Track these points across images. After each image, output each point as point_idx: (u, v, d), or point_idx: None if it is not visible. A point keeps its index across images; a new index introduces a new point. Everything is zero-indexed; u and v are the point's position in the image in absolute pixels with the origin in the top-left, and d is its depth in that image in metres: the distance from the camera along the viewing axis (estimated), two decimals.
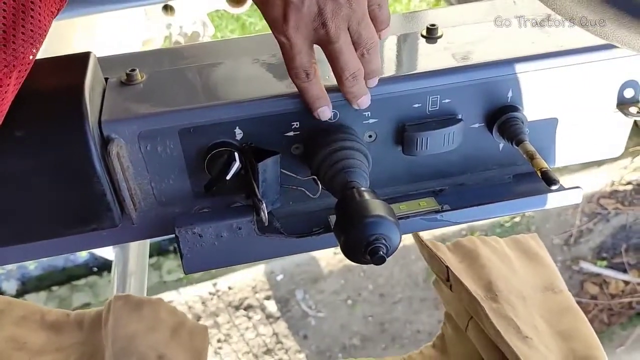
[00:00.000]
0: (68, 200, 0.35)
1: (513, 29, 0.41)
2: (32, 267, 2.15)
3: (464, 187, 0.43)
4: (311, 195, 0.38)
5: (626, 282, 3.17)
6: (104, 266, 2.27)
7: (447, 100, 0.38)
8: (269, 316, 2.50)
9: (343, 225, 0.33)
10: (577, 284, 3.15)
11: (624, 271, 3.13)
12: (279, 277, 2.44)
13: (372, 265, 0.34)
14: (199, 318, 2.35)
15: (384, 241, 0.32)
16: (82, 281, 2.25)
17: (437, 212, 0.41)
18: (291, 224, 0.40)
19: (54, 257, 2.15)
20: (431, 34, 0.41)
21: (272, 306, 2.49)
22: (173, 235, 0.38)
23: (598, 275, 3.15)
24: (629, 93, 0.40)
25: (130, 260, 0.69)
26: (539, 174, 0.36)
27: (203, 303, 2.35)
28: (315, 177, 0.37)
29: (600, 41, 0.36)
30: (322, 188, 0.38)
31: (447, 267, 0.48)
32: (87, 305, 2.18)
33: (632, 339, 3.09)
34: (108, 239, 0.40)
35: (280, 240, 0.39)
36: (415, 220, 0.40)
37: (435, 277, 0.55)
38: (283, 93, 0.37)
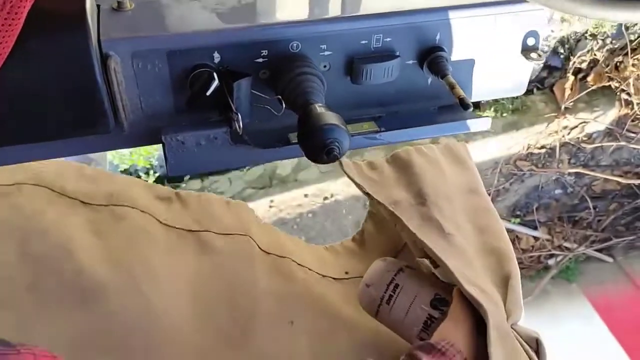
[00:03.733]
0: (70, 108, 0.42)
1: None
2: None
3: (398, 115, 0.52)
4: (276, 113, 0.46)
5: (536, 238, 3.46)
6: None
7: (388, 39, 0.47)
8: None
9: (306, 133, 0.41)
10: None
11: (535, 228, 3.41)
12: None
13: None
14: None
15: (337, 144, 0.40)
16: None
17: (376, 132, 0.50)
18: (257, 139, 0.48)
19: None
20: None
21: None
22: (156, 143, 0.45)
23: (511, 231, 3.42)
24: (531, 41, 0.50)
25: None
26: (458, 101, 0.45)
27: None
28: (280, 97, 0.45)
29: None
30: (284, 107, 0.46)
31: (365, 192, 0.56)
32: None
33: (539, 290, 3.39)
34: (101, 144, 0.46)
35: (249, 150, 0.47)
36: (359, 139, 0.50)
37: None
38: (255, 24, 0.45)
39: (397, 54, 0.48)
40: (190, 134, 0.45)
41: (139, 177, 2.20)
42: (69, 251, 0.52)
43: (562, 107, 2.96)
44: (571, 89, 2.91)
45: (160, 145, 0.46)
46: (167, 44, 0.43)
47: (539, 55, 0.50)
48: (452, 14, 0.47)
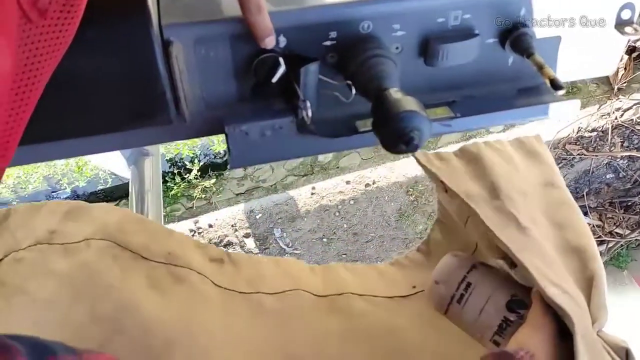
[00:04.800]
0: (131, 98, 0.39)
1: None
2: (14, 202, 2.15)
3: (474, 99, 0.48)
4: (345, 100, 0.42)
5: None
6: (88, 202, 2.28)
7: (467, 16, 0.43)
8: (248, 253, 2.57)
9: (382, 121, 0.37)
10: None
11: (585, 214, 3.29)
12: (258, 216, 2.50)
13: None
14: None
15: (417, 132, 0.37)
16: None
17: (451, 118, 0.46)
18: (323, 128, 0.45)
19: (35, 194, 2.16)
20: None
21: (251, 243, 2.56)
22: (218, 133, 0.42)
23: None
24: (626, 14, 0.45)
25: (146, 179, 0.73)
26: (548, 82, 0.41)
27: None
28: (350, 82, 0.42)
29: None
30: (354, 93, 0.42)
31: (441, 181, 0.53)
32: None
33: None
34: (162, 135, 0.44)
35: (315, 140, 0.44)
36: (433, 125, 0.46)
37: (435, 186, 0.60)
38: (322, 4, 0.41)
39: (477, 32, 0.44)
40: (255, 124, 0.42)
41: (184, 165, 2.21)
42: (135, 309, 0.52)
43: (615, 87, 2.83)
44: (625, 69, 2.78)
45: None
46: (230, 29, 0.40)
47: (636, 30, 0.45)
48: None
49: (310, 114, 0.40)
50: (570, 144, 3.07)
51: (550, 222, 0.53)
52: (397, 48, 0.44)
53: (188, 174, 2.23)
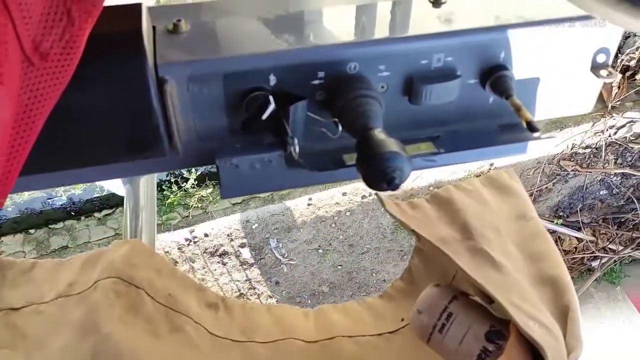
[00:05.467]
0: (127, 132, 0.41)
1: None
2: (10, 209, 2.16)
3: (457, 134, 0.50)
4: (331, 136, 0.44)
5: (579, 240, 3.37)
6: (81, 211, 2.29)
7: (449, 59, 0.45)
8: (243, 263, 2.59)
9: (366, 159, 0.39)
10: None
11: (578, 229, 3.32)
12: (254, 226, 2.51)
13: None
14: (175, 263, 2.41)
15: (398, 172, 0.39)
16: (59, 225, 2.26)
17: (434, 154, 0.48)
18: (311, 161, 0.47)
19: (31, 201, 2.17)
20: (437, 0, 0.47)
21: (246, 253, 2.57)
22: (209, 164, 0.44)
23: (554, 232, 3.34)
24: (601, 58, 0.47)
25: (141, 196, 0.75)
26: (524, 124, 0.43)
27: (179, 249, 2.41)
28: (337, 119, 0.44)
29: (580, 12, 0.43)
30: (341, 130, 0.44)
31: (412, 229, 0.55)
32: (64, 248, 2.21)
33: (582, 292, 3.30)
34: (155, 166, 0.46)
35: (303, 172, 0.46)
36: (416, 161, 0.48)
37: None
38: (311, 46, 0.43)
39: (459, 73, 0.46)
40: (245, 158, 0.44)
41: (182, 174, 2.23)
42: (133, 352, 0.54)
43: (609, 105, 2.86)
44: (619, 88, 2.82)
45: None
46: (223, 68, 0.42)
47: (610, 73, 0.47)
48: (517, 32, 0.45)
49: (297, 149, 0.42)
50: (564, 159, 3.10)
51: (524, 254, 0.55)
52: (382, 87, 0.46)
53: (185, 183, 2.25)
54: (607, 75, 0.47)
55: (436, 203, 0.59)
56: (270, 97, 0.42)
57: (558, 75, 0.48)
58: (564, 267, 0.54)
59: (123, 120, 0.41)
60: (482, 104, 0.49)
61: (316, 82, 0.44)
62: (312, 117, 0.44)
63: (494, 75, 0.46)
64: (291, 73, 0.43)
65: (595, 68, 0.48)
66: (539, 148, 0.56)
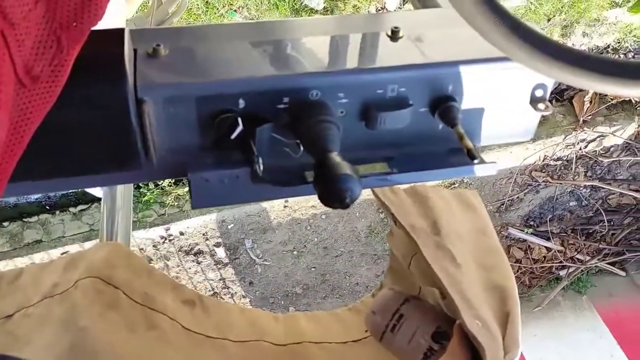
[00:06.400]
0: (106, 146, 0.45)
1: (460, 36, 0.53)
2: None
3: (410, 156, 0.55)
4: (294, 155, 0.49)
5: (548, 249, 3.46)
6: (57, 205, 2.30)
7: (402, 89, 0.50)
8: (217, 262, 2.61)
9: (322, 179, 0.44)
10: (504, 248, 3.40)
11: (548, 239, 3.41)
12: (230, 226, 2.54)
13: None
14: (150, 260, 2.43)
15: (350, 193, 0.44)
16: (33, 218, 2.26)
17: (387, 174, 0.53)
18: (275, 176, 0.51)
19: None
20: (395, 35, 0.52)
21: (221, 252, 2.59)
22: (181, 177, 0.49)
23: (524, 241, 3.43)
24: (539, 93, 0.53)
25: (118, 199, 0.78)
26: (465, 151, 0.48)
27: (155, 247, 2.43)
28: (299, 141, 0.49)
29: None
30: (302, 150, 0.49)
31: (392, 213, 0.60)
32: (38, 242, 2.22)
33: (549, 300, 3.39)
34: (131, 177, 0.50)
35: (268, 187, 0.50)
36: (371, 179, 0.53)
37: (388, 231, 0.68)
38: (278, 74, 0.48)
39: (411, 102, 0.51)
40: (215, 173, 0.49)
41: None
42: (108, 350, 0.58)
43: (581, 119, 2.95)
44: (590, 102, 2.91)
45: None
46: (197, 91, 0.46)
47: (547, 107, 0.53)
48: (464, 68, 0.50)
49: (262, 167, 0.47)
50: (536, 170, 3.18)
51: (478, 264, 0.60)
52: (342, 112, 0.51)
53: (162, 181, 2.28)
54: (544, 108, 0.53)
55: (412, 195, 0.64)
56: (239, 119, 0.47)
57: (501, 106, 0.54)
58: (513, 279, 0.60)
59: (103, 136, 0.45)
60: (432, 130, 0.54)
61: (281, 106, 0.49)
62: (276, 137, 0.49)
63: (442, 105, 0.51)
64: (259, 98, 0.48)
65: (534, 101, 0.53)
66: (484, 172, 0.60)
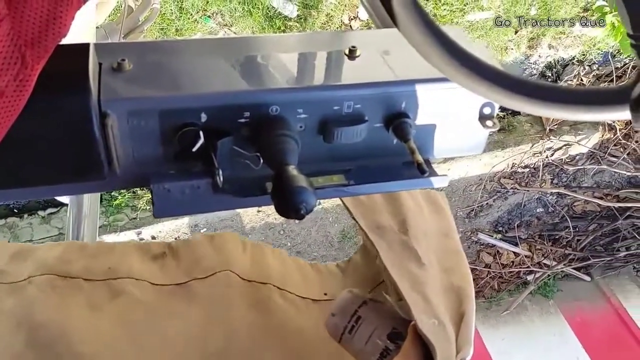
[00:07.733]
0: (70, 158, 0.47)
1: (414, 56, 0.56)
2: None
3: (366, 169, 0.58)
4: (254, 167, 0.51)
5: (516, 254, 3.53)
6: (25, 208, 2.27)
7: (358, 106, 0.53)
8: None
9: (279, 192, 0.46)
10: (474, 253, 3.47)
11: (516, 244, 3.48)
12: (203, 230, 2.54)
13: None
14: None
15: (305, 204, 0.46)
16: (1, 222, 2.23)
17: (344, 185, 0.56)
18: (236, 186, 0.54)
19: None
20: (352, 54, 0.55)
21: None
22: (144, 187, 0.50)
23: (493, 246, 3.50)
24: (487, 110, 0.56)
25: (84, 205, 0.79)
26: (416, 165, 0.51)
27: None
28: (259, 154, 0.51)
29: None
30: (262, 162, 0.51)
31: (353, 217, 0.62)
32: None
33: (517, 304, 3.46)
34: (95, 186, 0.52)
35: (229, 198, 0.52)
36: (328, 190, 0.55)
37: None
38: (239, 90, 0.50)
39: (366, 118, 0.54)
40: (176, 183, 0.51)
41: None
42: (68, 336, 0.58)
43: (547, 129, 3.03)
44: None
45: None
46: (159, 105, 0.48)
47: (494, 123, 0.56)
48: (417, 86, 0.53)
49: (222, 179, 0.49)
50: (504, 177, 3.25)
51: (441, 266, 0.63)
52: (300, 127, 0.53)
53: None
54: (492, 125, 0.56)
55: (386, 194, 0.66)
56: (201, 133, 0.49)
57: (452, 123, 0.57)
58: (471, 281, 0.63)
59: (68, 148, 0.46)
60: (387, 144, 0.56)
61: (242, 120, 0.51)
62: (237, 150, 0.51)
63: (396, 121, 0.54)
64: (220, 112, 0.50)
65: (482, 118, 0.56)
66: (437, 184, 0.64)
